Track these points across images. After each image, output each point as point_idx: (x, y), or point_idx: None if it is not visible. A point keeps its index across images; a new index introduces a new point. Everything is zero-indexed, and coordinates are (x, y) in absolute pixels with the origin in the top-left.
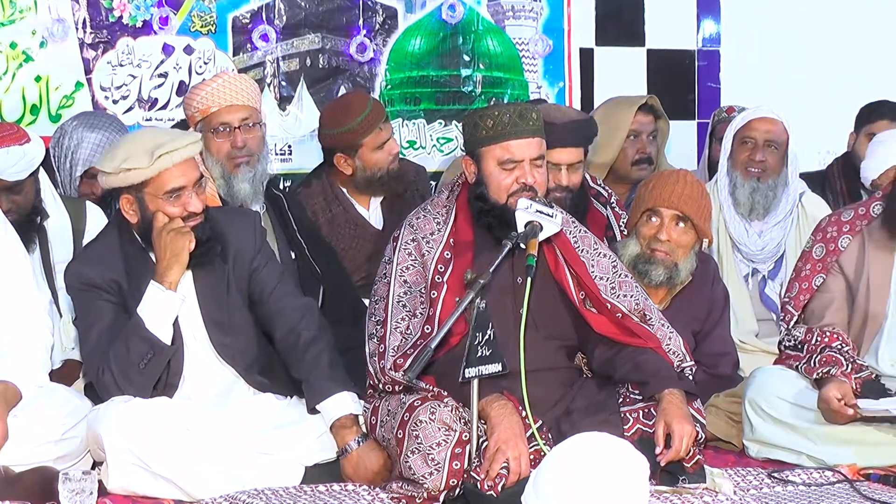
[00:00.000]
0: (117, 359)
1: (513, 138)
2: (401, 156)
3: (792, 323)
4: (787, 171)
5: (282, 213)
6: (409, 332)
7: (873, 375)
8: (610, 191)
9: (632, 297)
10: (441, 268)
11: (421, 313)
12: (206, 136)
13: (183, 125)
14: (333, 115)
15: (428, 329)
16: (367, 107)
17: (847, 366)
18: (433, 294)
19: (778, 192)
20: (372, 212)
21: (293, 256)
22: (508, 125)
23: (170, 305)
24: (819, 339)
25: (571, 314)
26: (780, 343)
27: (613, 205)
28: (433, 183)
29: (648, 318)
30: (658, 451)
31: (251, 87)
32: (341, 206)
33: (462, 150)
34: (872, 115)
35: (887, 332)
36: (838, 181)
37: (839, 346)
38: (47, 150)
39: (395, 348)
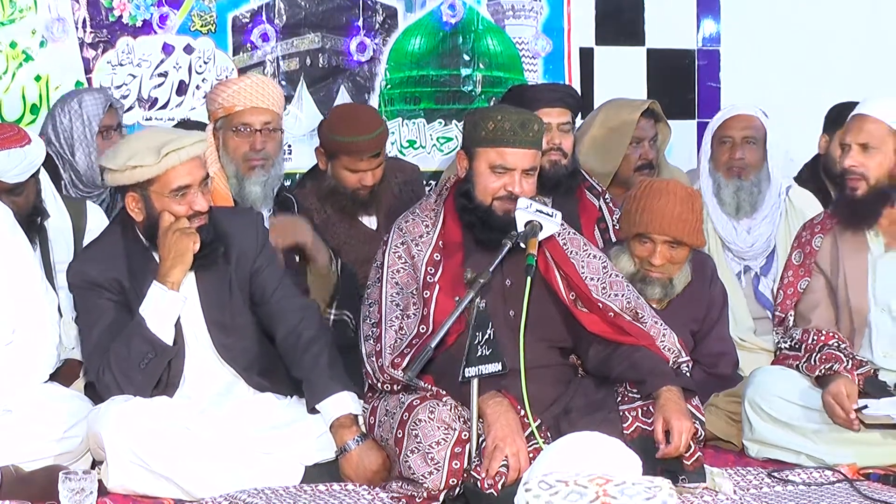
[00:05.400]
0: (118, 358)
1: (510, 146)
2: (400, 155)
3: (789, 325)
4: (767, 166)
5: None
6: (402, 331)
7: (872, 371)
8: (602, 187)
9: (623, 296)
10: (431, 269)
11: (414, 313)
12: (226, 134)
13: (184, 125)
14: (336, 118)
15: (423, 329)
16: (367, 135)
17: (847, 362)
18: (426, 294)
19: (762, 187)
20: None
21: (297, 258)
22: (509, 132)
23: (172, 306)
24: (816, 338)
25: (563, 316)
26: (777, 347)
27: (607, 199)
28: (433, 183)
29: (641, 315)
30: (661, 448)
31: (277, 91)
32: (334, 211)
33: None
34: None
35: (874, 325)
36: (809, 185)
37: (836, 344)
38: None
39: (392, 347)
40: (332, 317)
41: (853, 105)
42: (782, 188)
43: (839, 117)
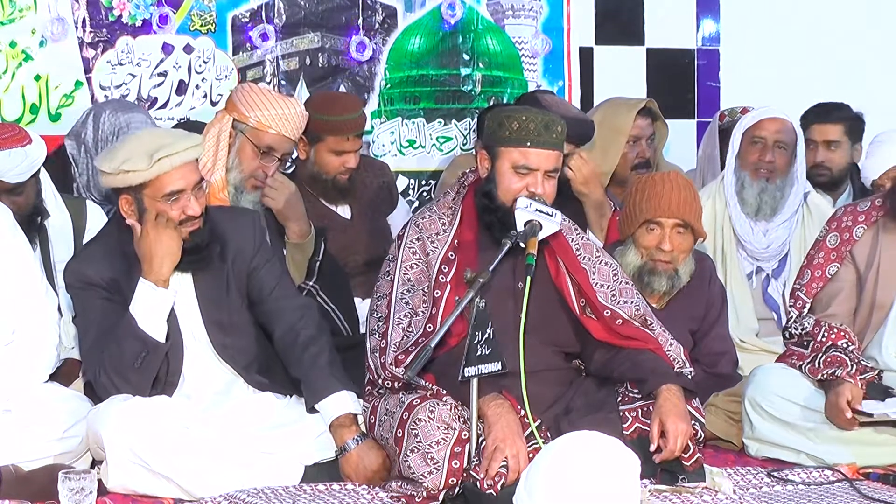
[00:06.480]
0: (112, 360)
1: (534, 147)
2: (399, 155)
3: (805, 311)
4: (794, 171)
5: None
6: (410, 329)
7: (877, 373)
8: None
9: (632, 303)
10: (445, 268)
11: (423, 311)
12: (245, 142)
13: (185, 126)
14: (321, 101)
15: (430, 328)
16: (353, 114)
17: (852, 366)
18: (436, 293)
19: (786, 192)
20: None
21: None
22: (533, 133)
23: (162, 303)
24: (826, 335)
25: (571, 321)
26: (785, 328)
27: None
28: (432, 182)
29: (649, 323)
30: (652, 448)
31: (304, 124)
32: (309, 200)
33: (461, 150)
34: (819, 119)
35: (892, 322)
36: None
37: (845, 345)
38: (61, 147)
39: (397, 344)
40: (305, 287)
41: (825, 105)
42: (802, 194)
43: (807, 118)
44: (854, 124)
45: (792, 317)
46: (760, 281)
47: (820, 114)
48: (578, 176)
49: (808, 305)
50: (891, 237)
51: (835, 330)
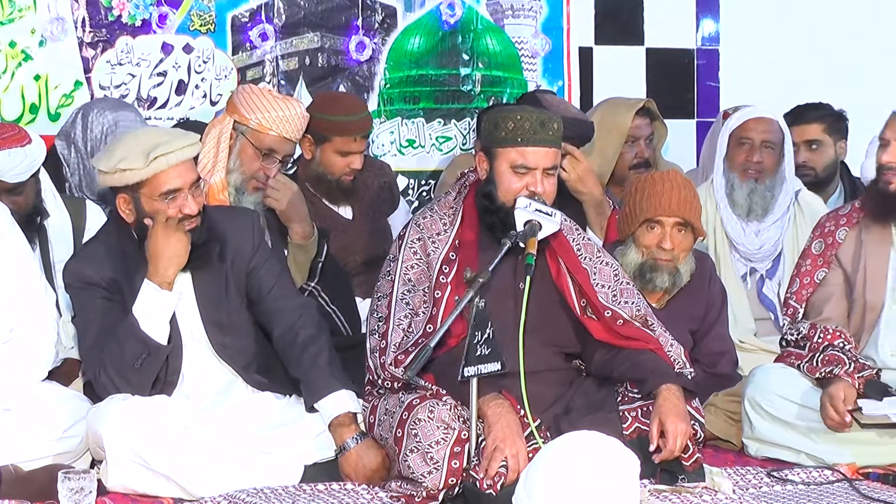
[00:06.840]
0: (113, 360)
1: (530, 145)
2: (399, 154)
3: (798, 316)
4: (782, 170)
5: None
6: (410, 329)
7: (875, 372)
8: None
9: (633, 304)
10: (446, 268)
11: (423, 312)
12: (246, 144)
13: (184, 125)
14: (326, 101)
15: (430, 328)
16: (360, 114)
17: (850, 365)
18: (437, 294)
19: (776, 191)
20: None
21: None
22: (529, 132)
23: (166, 305)
24: (822, 336)
25: (572, 322)
26: (782, 337)
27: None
28: (432, 182)
29: (650, 323)
30: (652, 448)
31: (305, 125)
32: (310, 200)
33: (461, 149)
34: (796, 120)
35: (885, 322)
36: None
37: (841, 345)
38: (52, 149)
39: (397, 345)
40: (307, 288)
41: (802, 106)
42: (793, 193)
43: (786, 121)
44: (834, 122)
45: (785, 324)
46: (755, 282)
47: (797, 115)
48: (572, 174)
49: (800, 311)
50: (874, 238)
51: (830, 331)
